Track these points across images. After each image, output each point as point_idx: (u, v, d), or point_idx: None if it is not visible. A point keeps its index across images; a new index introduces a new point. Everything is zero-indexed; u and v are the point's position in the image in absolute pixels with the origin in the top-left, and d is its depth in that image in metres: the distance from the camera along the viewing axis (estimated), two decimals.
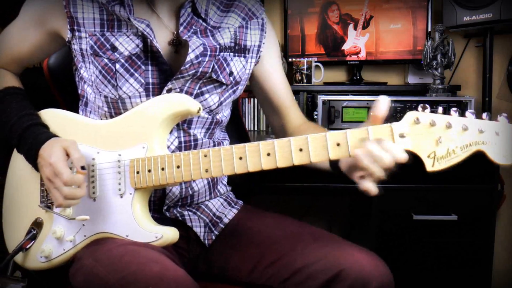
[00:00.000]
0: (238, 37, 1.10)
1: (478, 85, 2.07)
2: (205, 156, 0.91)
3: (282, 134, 1.22)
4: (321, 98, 1.72)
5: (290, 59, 2.07)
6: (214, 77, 1.05)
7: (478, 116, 0.80)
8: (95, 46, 1.01)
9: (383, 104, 0.85)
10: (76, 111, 1.12)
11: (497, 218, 2.04)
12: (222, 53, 1.06)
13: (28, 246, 1.03)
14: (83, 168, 0.94)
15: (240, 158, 0.88)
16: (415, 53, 1.99)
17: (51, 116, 1.07)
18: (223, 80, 1.06)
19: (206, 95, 1.06)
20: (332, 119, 1.71)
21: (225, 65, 1.07)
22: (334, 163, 0.97)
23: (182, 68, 0.99)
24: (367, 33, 2.02)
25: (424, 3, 1.96)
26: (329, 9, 2.03)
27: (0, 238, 1.12)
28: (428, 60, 1.80)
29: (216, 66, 1.04)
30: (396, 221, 1.65)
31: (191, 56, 0.99)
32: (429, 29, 1.96)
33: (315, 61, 2.03)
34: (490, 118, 0.80)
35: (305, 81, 2.00)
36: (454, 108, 0.81)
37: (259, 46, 1.14)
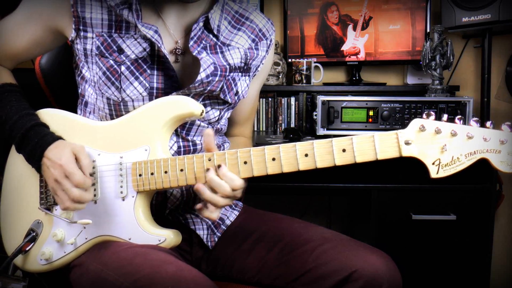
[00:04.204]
0: (248, 57, 1.10)
1: (476, 85, 2.08)
2: (209, 160, 0.91)
3: None
4: (321, 98, 1.73)
5: (289, 60, 2.07)
6: (222, 96, 1.05)
7: (482, 124, 0.82)
8: (102, 47, 0.99)
9: (207, 136, 0.92)
10: (68, 111, 1.10)
11: (496, 218, 2.05)
12: (231, 74, 1.06)
13: (27, 249, 1.02)
14: (91, 174, 0.94)
15: (245, 163, 0.89)
16: (414, 54, 2.00)
17: (51, 116, 1.06)
18: (229, 100, 1.07)
19: (208, 108, 1.06)
20: (331, 120, 1.72)
21: (233, 85, 1.07)
22: None
23: (191, 85, 0.99)
24: (366, 34, 2.03)
25: (423, 4, 1.97)
26: (328, 10, 2.03)
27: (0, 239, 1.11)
28: (427, 61, 1.80)
29: (225, 86, 1.05)
30: (395, 221, 1.65)
31: (202, 75, 0.99)
32: (428, 30, 1.97)
33: (315, 62, 2.03)
34: (494, 126, 0.82)
35: (304, 81, 2.00)
36: (459, 116, 0.83)
37: (258, 66, 1.14)
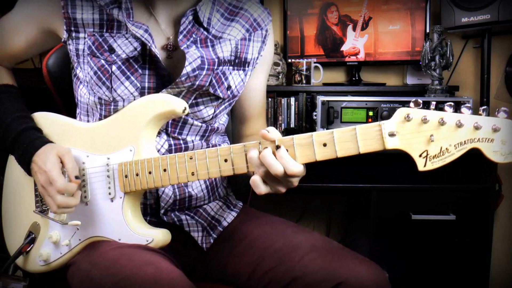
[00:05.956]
0: (239, 50, 1.07)
1: (476, 85, 2.08)
2: (191, 158, 0.89)
3: (237, 139, 1.22)
4: (320, 98, 1.73)
5: (289, 60, 2.07)
6: (212, 91, 1.02)
7: (476, 112, 0.75)
8: (93, 47, 0.99)
9: (272, 133, 0.84)
10: (75, 112, 1.11)
11: (495, 218, 2.05)
12: (221, 67, 1.03)
13: (27, 250, 1.03)
14: (76, 177, 0.93)
15: (225, 160, 0.87)
16: (414, 54, 2.00)
17: (43, 119, 1.06)
18: (220, 94, 1.04)
19: (201, 107, 1.04)
20: (331, 120, 1.72)
21: (223, 79, 1.04)
22: None
23: (177, 80, 0.97)
24: (366, 34, 2.03)
25: (422, 4, 1.97)
26: (328, 10, 2.04)
27: (1, 239, 1.12)
28: (427, 61, 1.81)
29: (214, 81, 1.02)
30: (395, 221, 1.66)
31: (187, 69, 0.97)
32: (428, 30, 1.98)
33: (314, 62, 2.04)
34: (488, 113, 0.76)
35: (304, 82, 2.01)
36: (449, 103, 0.76)
37: (256, 59, 1.11)
